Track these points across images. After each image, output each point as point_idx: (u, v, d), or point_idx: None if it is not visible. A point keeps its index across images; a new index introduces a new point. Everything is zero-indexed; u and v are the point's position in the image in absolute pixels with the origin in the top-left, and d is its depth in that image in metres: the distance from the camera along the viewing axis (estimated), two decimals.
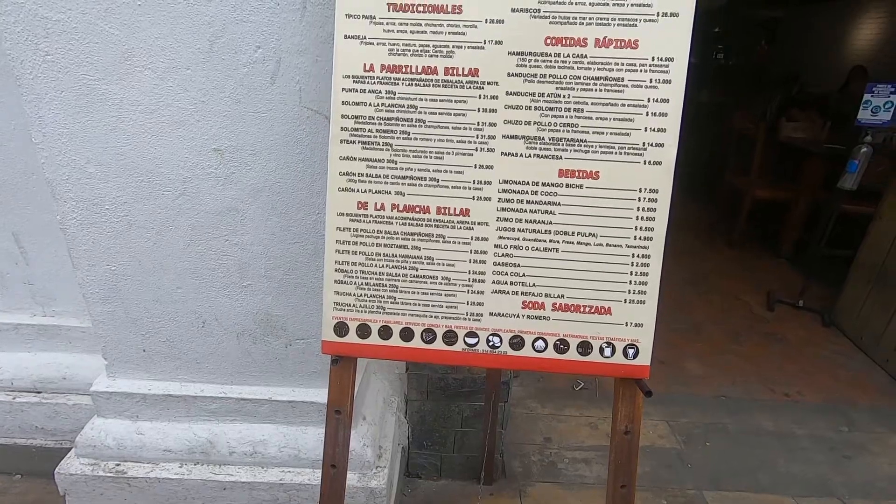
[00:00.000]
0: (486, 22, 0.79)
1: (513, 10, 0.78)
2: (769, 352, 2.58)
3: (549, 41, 0.78)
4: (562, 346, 0.85)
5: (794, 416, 2.11)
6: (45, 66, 1.00)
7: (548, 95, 0.80)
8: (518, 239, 0.83)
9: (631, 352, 0.84)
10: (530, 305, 0.85)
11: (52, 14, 0.97)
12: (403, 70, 0.81)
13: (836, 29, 6.04)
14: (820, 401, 2.22)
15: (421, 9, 0.80)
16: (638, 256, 0.82)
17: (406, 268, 0.85)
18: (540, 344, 0.86)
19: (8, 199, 1.40)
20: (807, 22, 6.46)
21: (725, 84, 6.20)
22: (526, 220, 0.83)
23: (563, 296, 0.84)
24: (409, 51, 0.80)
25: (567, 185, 0.81)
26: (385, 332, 0.87)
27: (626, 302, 0.83)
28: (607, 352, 0.85)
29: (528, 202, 0.82)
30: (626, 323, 0.84)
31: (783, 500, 1.70)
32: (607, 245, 0.82)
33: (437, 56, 0.80)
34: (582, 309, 0.84)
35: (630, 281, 0.83)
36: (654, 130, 0.79)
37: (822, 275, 2.99)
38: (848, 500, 1.71)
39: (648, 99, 0.78)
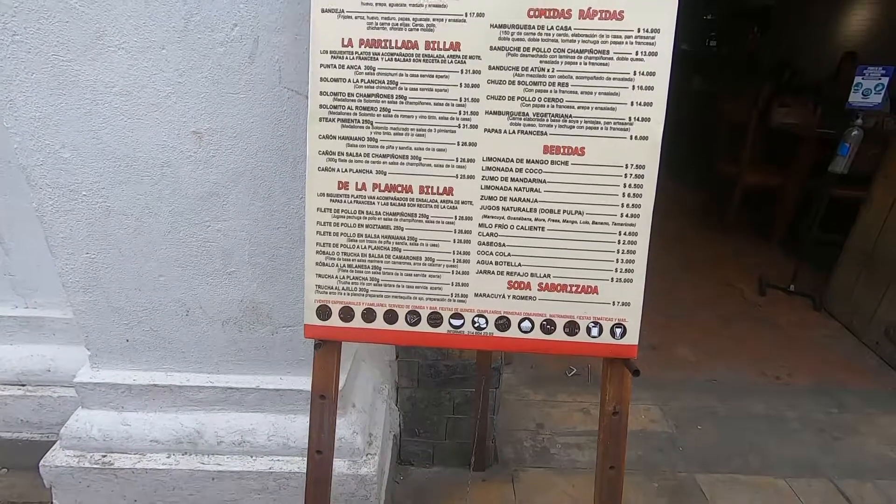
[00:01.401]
0: None
1: None
2: (760, 336, 2.59)
3: (532, 13, 0.76)
4: (548, 326, 0.84)
5: (785, 399, 2.12)
6: (13, 47, 0.97)
7: (532, 69, 0.78)
8: (503, 218, 0.82)
9: (618, 331, 0.83)
10: (516, 285, 0.83)
11: None
12: (383, 44, 0.78)
13: (827, 16, 6.02)
14: (810, 384, 2.24)
15: None
16: (625, 234, 0.81)
17: (389, 249, 0.83)
18: (526, 324, 0.84)
19: None
20: (798, 9, 6.44)
21: (718, 71, 6.18)
22: (511, 199, 0.81)
23: (549, 275, 0.83)
24: (389, 24, 0.78)
25: (552, 162, 0.80)
26: (368, 314, 0.85)
27: (613, 281, 0.82)
28: (594, 331, 0.83)
29: (512, 180, 0.81)
30: (614, 302, 0.82)
31: (774, 481, 1.71)
32: (594, 223, 0.81)
33: (417, 30, 0.78)
34: (568, 288, 0.83)
35: (617, 259, 0.81)
36: (640, 104, 0.77)
37: (814, 259, 3.00)
38: (837, 480, 1.72)
39: (634, 72, 0.77)
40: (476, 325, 0.85)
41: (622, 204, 0.80)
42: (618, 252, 0.81)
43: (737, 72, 6.26)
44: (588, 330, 0.83)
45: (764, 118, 3.73)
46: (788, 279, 2.97)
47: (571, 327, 0.84)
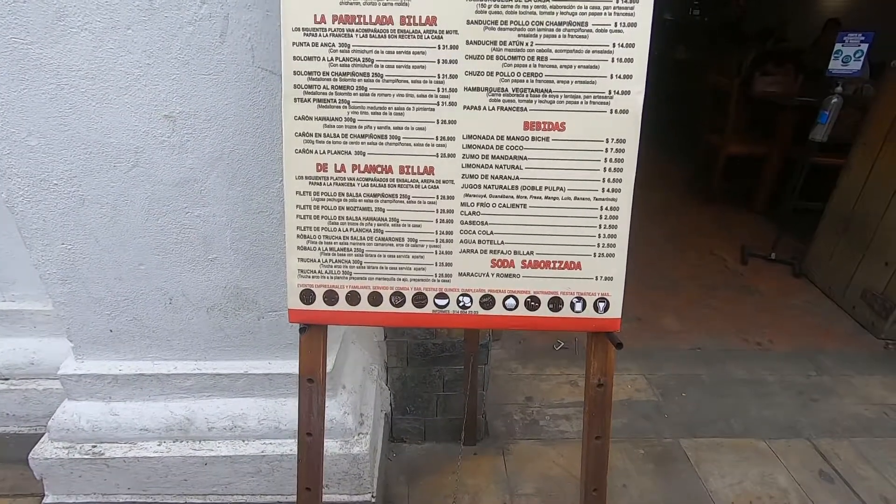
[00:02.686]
0: None
1: None
2: (743, 304, 2.65)
3: None
4: (532, 303, 0.84)
5: (766, 364, 2.18)
6: None
7: (510, 43, 0.76)
8: (485, 196, 0.81)
9: (601, 305, 0.84)
10: (499, 264, 0.83)
11: None
12: (357, 20, 0.76)
13: None
14: (790, 348, 2.30)
15: None
16: (606, 209, 0.81)
17: (371, 230, 0.82)
18: (511, 302, 0.85)
19: None
20: None
21: (702, 40, 6.14)
22: (492, 177, 0.80)
23: (532, 252, 0.83)
24: None
25: (533, 139, 0.79)
26: (353, 297, 0.85)
27: (595, 256, 0.82)
28: (578, 307, 0.84)
29: (493, 157, 0.80)
30: (596, 277, 0.83)
31: (755, 443, 1.77)
32: (575, 199, 0.80)
33: (391, 4, 0.75)
34: (551, 265, 0.83)
35: (599, 234, 0.81)
36: (619, 77, 0.76)
37: (795, 227, 3.05)
38: (815, 439, 1.79)
39: (614, 44, 0.75)
40: (461, 304, 0.85)
41: (603, 179, 0.80)
42: (600, 227, 0.81)
43: (721, 40, 6.22)
44: (572, 305, 0.84)
45: (747, 87, 3.73)
46: (769, 247, 3.02)
47: (555, 303, 0.84)
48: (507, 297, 0.85)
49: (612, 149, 0.79)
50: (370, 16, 0.76)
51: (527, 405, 1.91)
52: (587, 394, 0.90)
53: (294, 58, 0.77)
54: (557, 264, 0.83)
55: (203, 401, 1.32)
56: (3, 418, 1.52)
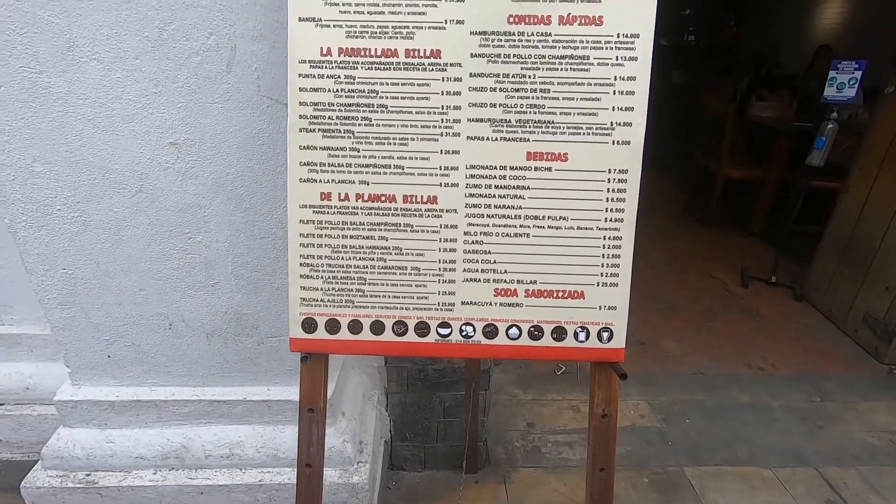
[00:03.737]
0: (447, 0, 0.76)
1: None
2: (744, 327, 2.64)
3: (512, 19, 0.76)
4: (536, 332, 0.84)
5: (769, 389, 2.16)
6: None
7: (513, 76, 0.77)
8: (488, 225, 0.81)
9: (605, 335, 0.84)
10: (503, 293, 0.83)
11: None
12: (362, 53, 0.77)
13: (801, 9, 6.13)
14: (792, 373, 2.28)
15: None
16: (609, 239, 0.81)
17: (374, 259, 0.82)
18: (514, 331, 0.84)
19: None
20: (773, 3, 6.55)
21: (696, 66, 6.26)
22: (495, 206, 0.81)
23: (535, 282, 0.83)
24: (368, 33, 0.77)
25: (536, 169, 0.80)
26: (355, 326, 0.85)
27: (598, 285, 0.82)
28: (582, 336, 0.84)
29: (496, 187, 0.80)
30: (600, 306, 0.83)
31: (760, 471, 1.74)
32: (578, 228, 0.81)
33: (396, 38, 0.77)
34: (555, 294, 0.83)
35: (602, 264, 0.82)
36: (621, 109, 0.77)
37: (794, 250, 3.06)
38: (822, 468, 1.76)
39: (615, 77, 0.77)
40: (464, 333, 0.84)
41: (606, 209, 0.80)
42: (603, 257, 0.81)
43: (715, 65, 6.35)
44: (575, 335, 0.84)
45: (742, 112, 3.79)
46: (769, 271, 3.03)
47: (559, 333, 0.84)
48: (510, 327, 0.84)
49: (614, 179, 0.79)
50: (376, 48, 0.77)
51: (528, 431, 1.88)
52: (591, 424, 0.89)
53: (300, 89, 0.79)
54: (561, 293, 0.83)
55: (200, 428, 1.30)
56: None
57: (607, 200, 0.80)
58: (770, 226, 3.67)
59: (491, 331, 0.84)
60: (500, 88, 0.78)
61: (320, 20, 0.77)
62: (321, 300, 0.84)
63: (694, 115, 4.56)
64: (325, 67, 0.78)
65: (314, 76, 0.78)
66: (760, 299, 2.90)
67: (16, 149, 1.01)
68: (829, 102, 2.58)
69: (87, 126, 1.00)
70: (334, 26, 0.77)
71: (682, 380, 2.21)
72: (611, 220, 0.80)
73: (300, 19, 0.77)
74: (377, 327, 0.85)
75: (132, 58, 0.95)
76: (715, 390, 2.14)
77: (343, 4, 0.77)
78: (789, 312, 2.79)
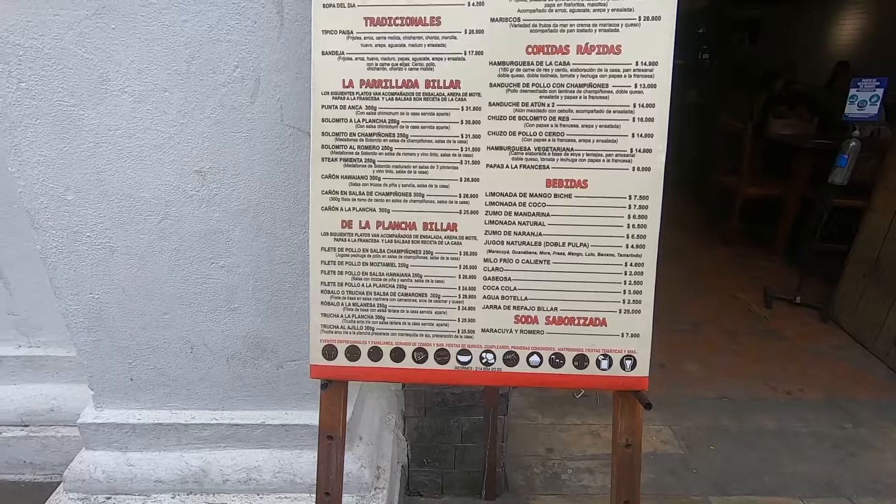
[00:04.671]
0: (466, 32, 0.77)
1: (492, 20, 0.77)
2: (769, 349, 2.57)
3: (530, 50, 0.77)
4: (557, 360, 0.83)
5: (797, 415, 2.09)
6: (18, 94, 0.98)
7: (532, 105, 0.78)
8: (508, 252, 0.81)
9: (628, 363, 0.82)
10: (523, 319, 0.83)
11: (24, 41, 0.95)
12: (383, 84, 0.79)
13: (817, 26, 6.11)
14: (821, 397, 2.21)
15: (399, 22, 0.78)
16: (631, 265, 0.80)
17: (394, 286, 0.83)
18: (535, 359, 0.83)
19: None
20: (788, 20, 6.53)
21: (712, 84, 6.24)
22: (515, 233, 0.81)
23: (556, 308, 0.82)
24: (389, 65, 0.79)
25: (555, 195, 0.80)
26: (375, 353, 0.85)
27: (620, 312, 0.81)
28: (604, 364, 0.82)
29: (516, 214, 0.80)
30: (623, 334, 0.82)
31: (791, 501, 1.67)
32: (599, 255, 0.80)
33: (417, 69, 0.79)
34: (576, 321, 0.82)
35: (624, 291, 0.81)
36: (641, 136, 0.77)
37: (818, 270, 2.99)
38: (856, 499, 1.68)
39: (634, 104, 0.77)
40: (484, 360, 0.84)
41: (627, 235, 0.80)
42: (625, 283, 0.80)
43: (731, 83, 6.32)
44: (598, 363, 0.83)
45: (760, 129, 3.75)
46: (793, 290, 2.96)
47: (580, 360, 0.83)
48: (531, 354, 0.83)
49: (634, 205, 0.79)
50: (396, 80, 0.79)
51: (547, 457, 1.85)
52: (614, 455, 0.87)
53: (323, 119, 0.80)
54: (582, 321, 0.82)
55: (219, 451, 1.30)
56: (20, 466, 1.51)
57: (628, 227, 0.80)
58: (792, 244, 3.59)
59: (511, 358, 0.83)
60: (519, 117, 0.78)
61: (343, 53, 0.79)
62: (341, 327, 0.84)
63: (710, 133, 4.53)
64: (348, 99, 0.80)
65: (336, 107, 0.80)
66: (785, 320, 2.83)
67: (50, 178, 1.04)
68: (850, 120, 2.55)
69: (117, 156, 1.03)
70: (356, 59, 0.79)
71: (705, 404, 2.16)
72: (632, 247, 0.80)
73: (323, 53, 0.79)
74: (397, 354, 0.85)
75: (161, 90, 0.99)
76: (740, 415, 2.08)
77: (365, 38, 0.79)
78: (816, 334, 2.71)
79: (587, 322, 0.82)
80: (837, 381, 2.32)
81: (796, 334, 2.70)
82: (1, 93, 0.97)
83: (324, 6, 0.79)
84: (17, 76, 0.97)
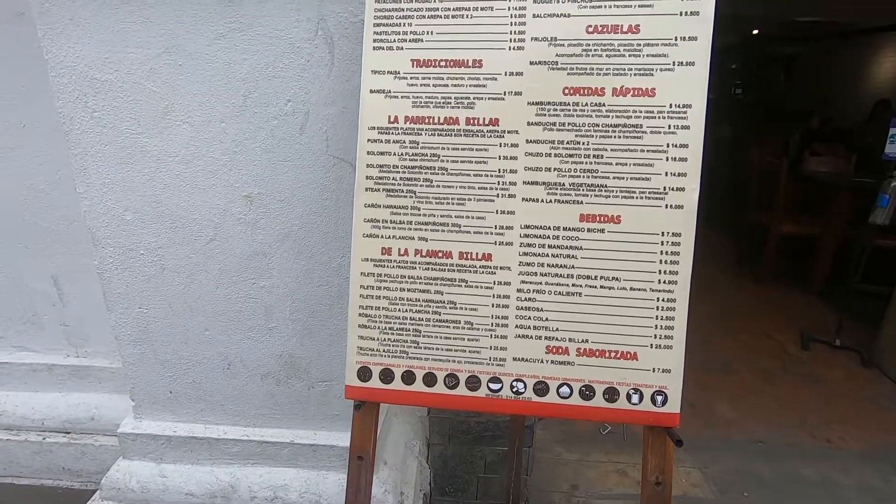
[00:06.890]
0: (506, 74, 0.82)
1: (531, 63, 0.81)
2: (806, 393, 2.47)
3: (567, 91, 0.81)
4: (587, 392, 0.84)
5: (838, 464, 1.99)
6: (91, 122, 1.07)
7: (567, 143, 0.81)
8: (541, 283, 0.83)
9: (659, 399, 0.82)
10: (554, 350, 0.84)
11: (101, 75, 1.04)
12: (426, 121, 0.84)
13: (855, 64, 6.03)
14: (864, 447, 2.10)
15: (443, 64, 0.83)
16: (663, 300, 0.81)
17: (429, 312, 0.86)
18: (565, 390, 0.84)
19: (50, 245, 1.48)
20: (822, 57, 6.48)
21: (744, 119, 6.20)
22: (548, 265, 0.83)
23: (587, 340, 0.83)
24: (432, 103, 0.84)
25: (588, 230, 0.82)
26: (408, 376, 0.87)
27: (652, 347, 0.82)
28: (635, 398, 0.83)
29: (549, 246, 0.83)
30: (654, 369, 0.82)
31: None
32: (631, 289, 0.81)
33: (458, 107, 0.83)
34: (607, 354, 0.83)
35: (656, 325, 0.81)
36: (674, 175, 0.79)
37: (858, 312, 2.88)
38: None
39: (667, 144, 0.79)
40: (514, 389, 0.85)
41: (659, 270, 0.81)
42: (656, 318, 0.81)
43: (764, 119, 6.26)
44: (628, 397, 0.83)
45: (795, 166, 3.69)
46: (831, 332, 2.85)
47: (611, 394, 0.83)
48: (561, 385, 0.84)
49: (667, 242, 0.80)
50: (439, 117, 0.84)
51: (572, 494, 1.80)
52: (644, 493, 0.86)
53: (368, 152, 0.86)
54: (613, 354, 0.83)
55: (248, 468, 1.33)
56: (59, 472, 1.57)
57: (661, 262, 0.81)
58: (831, 284, 3.48)
59: (542, 388, 0.85)
60: (554, 154, 0.82)
61: (390, 92, 0.85)
62: (377, 350, 0.87)
63: (743, 169, 4.48)
64: (392, 133, 0.85)
65: (382, 141, 0.85)
66: (824, 363, 2.72)
67: (112, 199, 1.13)
68: (891, 159, 2.50)
69: (174, 180, 1.11)
70: (402, 97, 0.84)
71: (738, 447, 2.08)
72: (664, 283, 0.81)
73: (371, 91, 0.85)
74: (429, 379, 0.87)
75: (218, 121, 1.07)
76: (776, 461, 2.00)
77: (411, 78, 0.84)
78: (857, 379, 2.59)
79: (618, 355, 0.82)
80: (881, 431, 2.20)
81: (836, 379, 2.59)
82: (77, 121, 1.07)
83: (374, 48, 0.85)
84: (92, 106, 1.06)
